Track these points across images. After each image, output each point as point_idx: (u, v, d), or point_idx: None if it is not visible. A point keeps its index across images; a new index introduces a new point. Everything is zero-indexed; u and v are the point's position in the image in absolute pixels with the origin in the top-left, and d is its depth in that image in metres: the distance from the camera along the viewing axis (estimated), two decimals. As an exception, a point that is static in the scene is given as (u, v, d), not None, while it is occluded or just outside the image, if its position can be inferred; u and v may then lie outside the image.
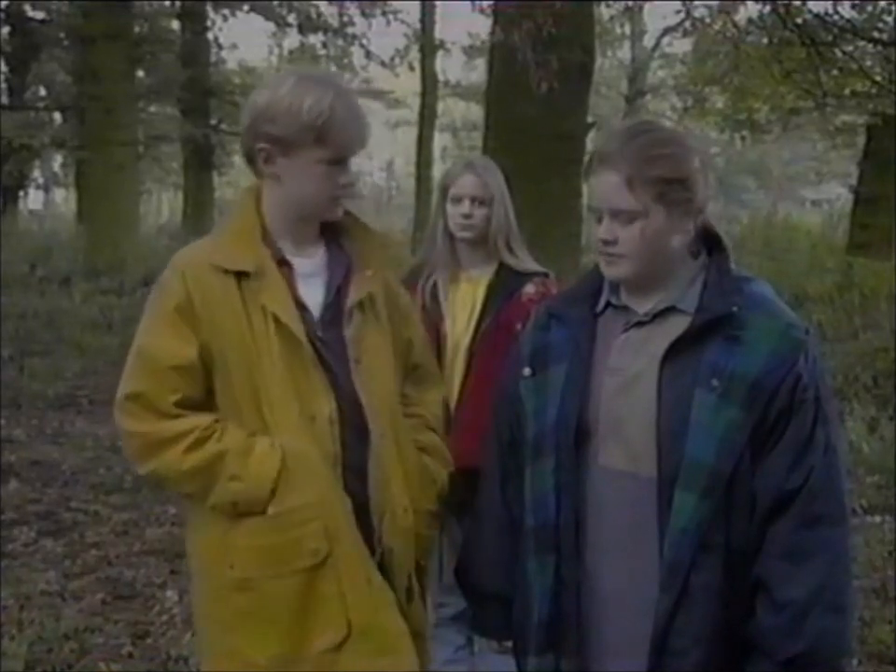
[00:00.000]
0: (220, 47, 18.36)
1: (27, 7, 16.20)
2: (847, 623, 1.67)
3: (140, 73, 16.27)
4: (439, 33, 19.53)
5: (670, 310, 1.74)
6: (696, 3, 11.41)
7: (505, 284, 2.74)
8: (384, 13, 17.54)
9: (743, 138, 15.98)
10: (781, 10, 8.39)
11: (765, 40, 9.59)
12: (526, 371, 1.85)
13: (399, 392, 2.08)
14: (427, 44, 18.31)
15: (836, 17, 8.95)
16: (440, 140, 26.49)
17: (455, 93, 25.10)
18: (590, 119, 7.81)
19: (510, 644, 1.93)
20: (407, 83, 21.25)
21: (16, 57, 17.10)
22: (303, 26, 17.69)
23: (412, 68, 18.75)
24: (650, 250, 1.69)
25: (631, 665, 1.70)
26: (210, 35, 17.77)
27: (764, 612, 1.64)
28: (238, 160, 14.94)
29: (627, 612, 1.71)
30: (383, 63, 18.90)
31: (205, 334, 1.86)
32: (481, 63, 21.85)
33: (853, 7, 9.87)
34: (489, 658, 2.67)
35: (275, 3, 17.57)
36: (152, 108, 18.32)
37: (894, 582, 3.99)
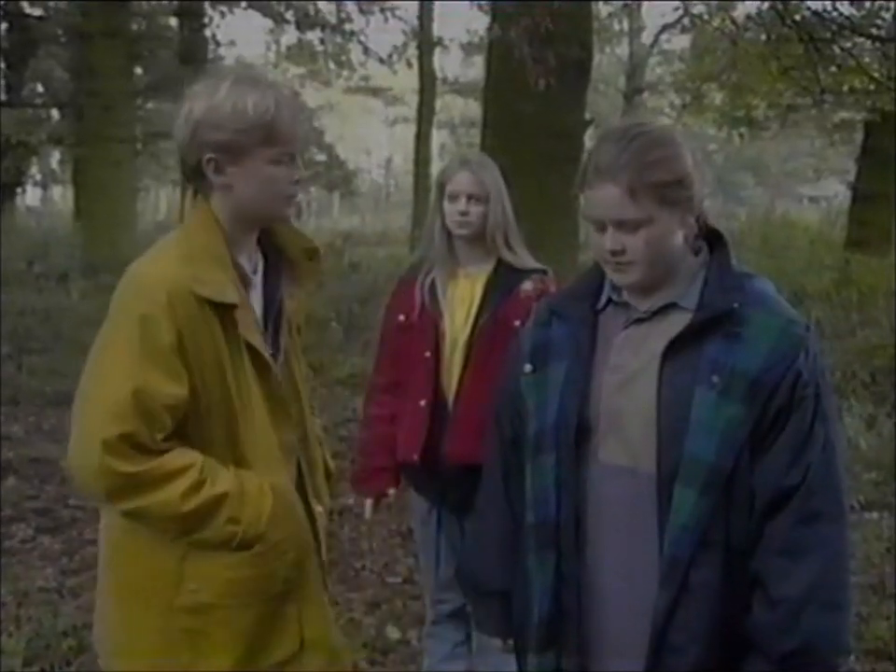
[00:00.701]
0: (218, 43, 18.28)
1: (25, 4, 16.17)
2: (843, 621, 1.65)
3: (138, 70, 16.27)
4: (437, 30, 19.60)
5: (671, 307, 1.73)
6: (694, 0, 11.43)
7: (503, 280, 2.73)
8: (382, 10, 17.53)
9: (741, 135, 15.94)
10: (779, 7, 8.37)
11: (763, 37, 9.57)
12: (527, 367, 1.85)
13: None
14: (426, 41, 18.32)
15: (834, 13, 8.93)
16: (438, 137, 26.51)
17: (453, 90, 25.11)
18: (588, 116, 7.79)
19: (513, 643, 1.92)
20: (405, 80, 21.27)
21: (14, 54, 17.06)
22: (301, 23, 17.63)
23: (410, 65, 18.72)
24: (657, 253, 1.69)
25: (631, 663, 1.70)
26: (208, 32, 17.68)
27: (760, 608, 1.64)
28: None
29: (627, 609, 1.71)
30: (381, 60, 18.84)
31: (191, 368, 1.78)
32: (479, 60, 21.81)
33: (851, 3, 9.86)
34: (488, 655, 2.67)
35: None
36: (150, 105, 18.28)
37: (892, 579, 3.99)
